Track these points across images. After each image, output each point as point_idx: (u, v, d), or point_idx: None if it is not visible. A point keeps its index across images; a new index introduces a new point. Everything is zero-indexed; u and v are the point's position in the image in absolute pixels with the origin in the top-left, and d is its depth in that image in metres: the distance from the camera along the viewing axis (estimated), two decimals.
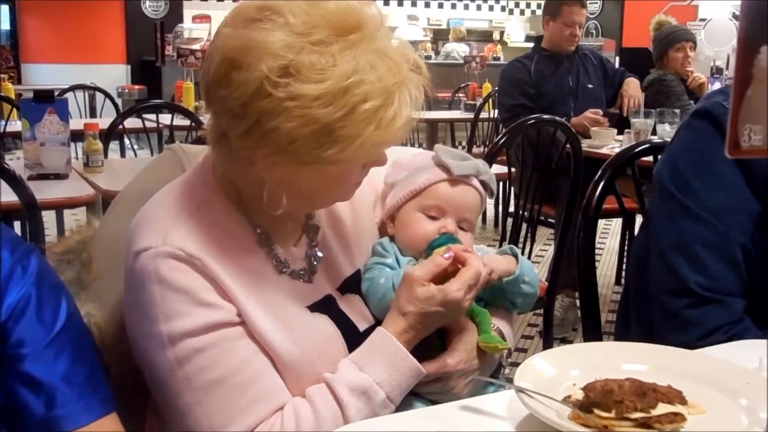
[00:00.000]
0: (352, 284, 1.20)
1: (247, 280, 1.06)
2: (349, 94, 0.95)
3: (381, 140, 0.99)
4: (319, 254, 1.18)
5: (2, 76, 6.64)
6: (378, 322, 1.15)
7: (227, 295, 1.04)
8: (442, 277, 1.11)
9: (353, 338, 1.13)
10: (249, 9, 0.99)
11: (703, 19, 8.48)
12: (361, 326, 1.16)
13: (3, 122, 4.51)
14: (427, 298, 1.09)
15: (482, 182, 1.24)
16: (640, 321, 1.52)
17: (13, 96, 5.00)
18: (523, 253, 1.11)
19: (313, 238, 1.19)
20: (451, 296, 1.09)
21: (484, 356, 1.17)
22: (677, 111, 3.99)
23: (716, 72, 6.58)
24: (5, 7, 9.60)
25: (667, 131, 3.83)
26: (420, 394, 1.13)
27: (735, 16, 7.38)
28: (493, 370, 1.22)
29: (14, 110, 4.45)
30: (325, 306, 1.14)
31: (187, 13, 10.26)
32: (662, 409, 0.88)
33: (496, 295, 1.23)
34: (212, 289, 1.03)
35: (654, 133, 3.90)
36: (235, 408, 1.02)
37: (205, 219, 1.07)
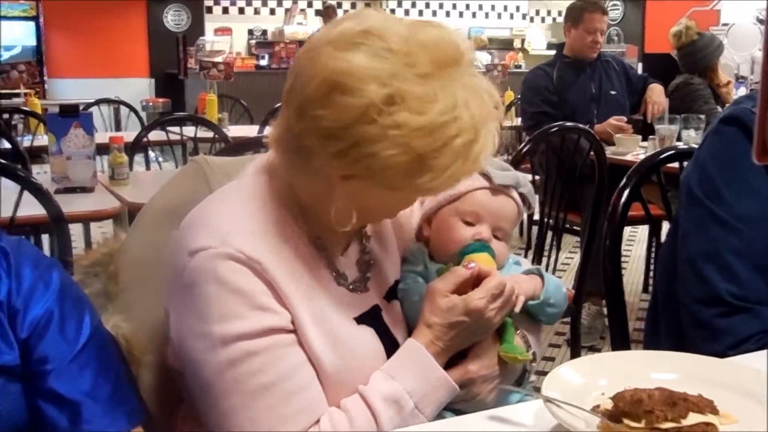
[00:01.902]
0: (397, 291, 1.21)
1: (302, 289, 1.06)
2: (445, 128, 0.97)
3: (466, 173, 1.03)
4: (371, 262, 1.18)
5: (29, 91, 6.75)
6: None
7: (283, 301, 1.03)
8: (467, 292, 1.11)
9: (393, 352, 1.12)
10: (352, 31, 0.99)
11: (725, 24, 8.39)
12: (401, 340, 1.16)
13: (30, 136, 4.57)
14: (449, 308, 1.09)
15: (521, 195, 1.25)
16: (670, 329, 1.50)
17: (39, 111, 5.08)
18: (548, 262, 1.10)
19: (365, 246, 1.19)
20: (473, 305, 1.09)
21: (505, 362, 1.17)
22: (702, 117, 3.94)
23: (740, 77, 6.50)
24: (31, 24, 9.72)
25: (692, 137, 3.80)
26: (447, 403, 1.12)
27: (759, 20, 7.30)
28: (518, 376, 1.21)
29: (41, 125, 4.51)
30: (371, 318, 1.14)
31: (209, 26, 10.34)
32: (693, 419, 0.87)
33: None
34: (269, 293, 1.03)
35: (679, 139, 3.86)
36: (281, 415, 1.01)
37: (263, 224, 1.07)
